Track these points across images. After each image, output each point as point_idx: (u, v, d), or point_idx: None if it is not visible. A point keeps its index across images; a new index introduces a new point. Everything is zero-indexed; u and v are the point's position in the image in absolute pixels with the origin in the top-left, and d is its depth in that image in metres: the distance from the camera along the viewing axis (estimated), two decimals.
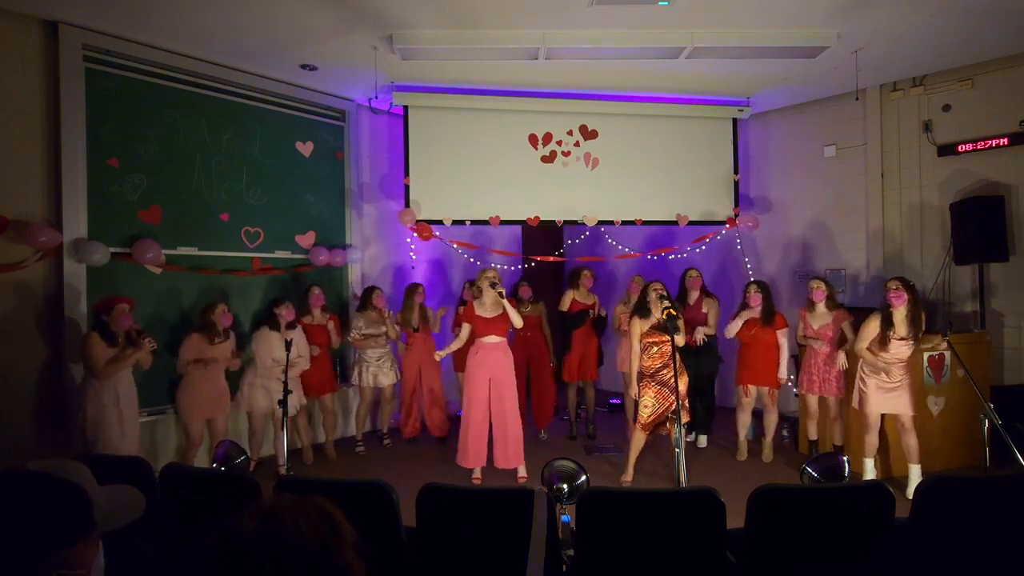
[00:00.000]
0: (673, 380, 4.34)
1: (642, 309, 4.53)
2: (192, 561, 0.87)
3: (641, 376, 4.52)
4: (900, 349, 4.21)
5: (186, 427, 4.53)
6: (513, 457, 4.61)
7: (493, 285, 4.50)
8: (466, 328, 4.66)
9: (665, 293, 4.42)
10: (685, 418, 4.35)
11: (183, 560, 0.89)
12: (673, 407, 4.34)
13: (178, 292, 4.95)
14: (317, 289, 5.32)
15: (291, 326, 4.91)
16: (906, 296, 4.21)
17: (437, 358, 4.96)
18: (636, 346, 4.53)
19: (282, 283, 5.63)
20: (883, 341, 4.26)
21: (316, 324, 5.28)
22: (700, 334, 5.28)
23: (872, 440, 4.36)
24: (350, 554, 0.90)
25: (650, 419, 4.43)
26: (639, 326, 4.51)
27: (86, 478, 1.19)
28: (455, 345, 4.84)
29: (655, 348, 4.47)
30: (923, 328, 4.22)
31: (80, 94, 4.40)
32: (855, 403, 4.45)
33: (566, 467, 2.73)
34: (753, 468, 4.98)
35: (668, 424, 4.41)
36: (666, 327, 4.28)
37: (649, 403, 4.45)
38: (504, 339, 4.66)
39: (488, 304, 4.59)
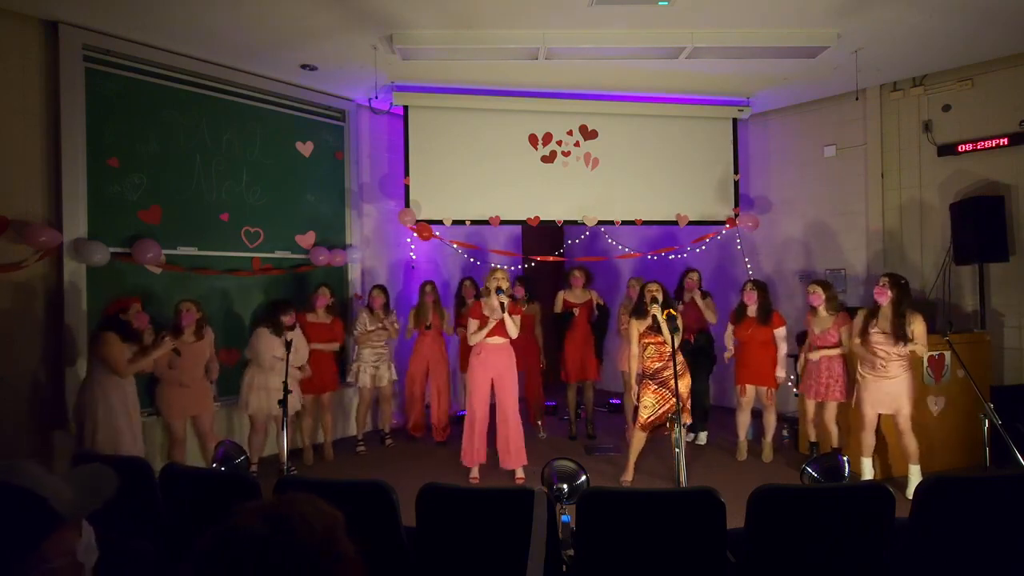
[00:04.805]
0: (672, 380, 4.38)
1: (638, 310, 4.54)
2: (195, 564, 0.87)
3: (641, 377, 4.53)
4: (881, 343, 4.21)
5: (168, 426, 4.49)
6: (515, 458, 4.62)
7: (499, 291, 4.49)
8: (473, 323, 4.64)
9: (659, 296, 4.42)
10: (687, 419, 4.36)
11: (184, 562, 0.89)
12: (673, 408, 4.37)
13: (176, 293, 4.94)
14: (325, 289, 5.32)
15: (290, 328, 4.91)
16: (890, 294, 4.22)
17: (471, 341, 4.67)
18: (635, 348, 4.54)
19: (282, 283, 5.63)
20: (863, 332, 4.29)
21: (319, 323, 5.28)
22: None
23: (868, 440, 4.36)
24: (347, 540, 0.92)
25: (650, 419, 4.43)
26: (636, 327, 4.53)
27: (34, 475, 1.12)
28: (477, 337, 4.59)
29: (652, 348, 4.48)
30: (909, 331, 4.14)
31: (80, 94, 4.40)
32: (854, 402, 4.45)
33: (566, 467, 2.73)
34: (753, 468, 4.98)
35: (668, 425, 4.42)
36: (659, 327, 4.34)
37: (649, 403, 4.45)
38: (507, 340, 4.65)
39: (492, 306, 4.58)
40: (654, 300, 4.38)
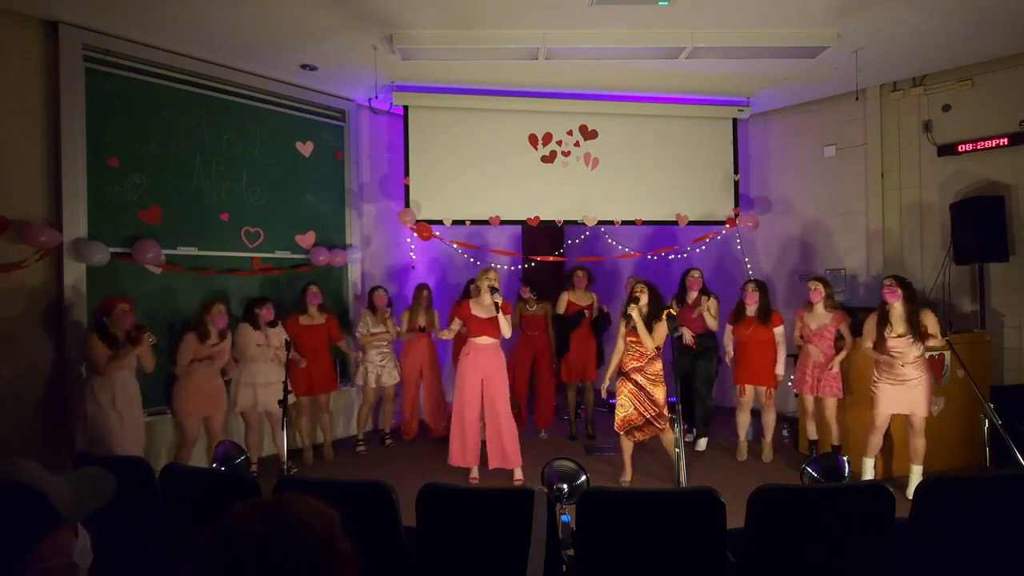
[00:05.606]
0: (650, 385, 4.42)
1: (625, 310, 4.55)
2: (195, 564, 0.87)
3: (619, 374, 4.55)
4: (900, 346, 4.20)
5: (181, 425, 4.50)
6: (511, 457, 4.59)
7: (493, 291, 4.48)
8: (456, 323, 4.67)
9: (640, 296, 4.43)
10: (662, 426, 4.38)
11: (184, 562, 0.89)
12: (649, 414, 4.40)
13: (177, 292, 4.95)
14: (314, 287, 5.28)
15: (271, 324, 4.89)
16: (900, 292, 4.21)
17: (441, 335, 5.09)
18: (620, 344, 4.57)
19: (282, 283, 5.63)
20: (879, 338, 4.27)
21: (314, 324, 5.27)
22: (688, 335, 5.34)
23: (876, 441, 4.35)
24: (344, 539, 0.93)
25: (624, 420, 4.45)
26: (623, 324, 4.56)
27: (34, 473, 1.13)
28: (445, 336, 4.90)
29: (633, 347, 4.49)
30: (923, 326, 4.18)
31: (80, 94, 4.40)
32: (854, 397, 4.46)
33: (566, 467, 2.72)
34: (753, 468, 4.98)
35: (646, 430, 4.43)
36: (635, 327, 4.39)
37: (624, 403, 4.47)
38: (497, 341, 4.64)
39: (484, 305, 4.58)
40: (634, 300, 4.40)
